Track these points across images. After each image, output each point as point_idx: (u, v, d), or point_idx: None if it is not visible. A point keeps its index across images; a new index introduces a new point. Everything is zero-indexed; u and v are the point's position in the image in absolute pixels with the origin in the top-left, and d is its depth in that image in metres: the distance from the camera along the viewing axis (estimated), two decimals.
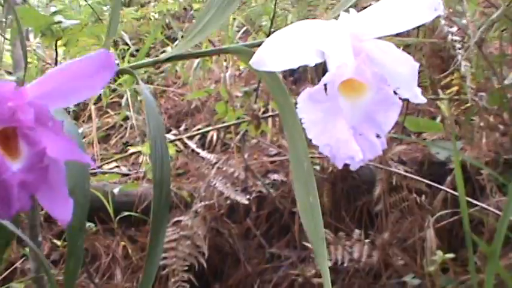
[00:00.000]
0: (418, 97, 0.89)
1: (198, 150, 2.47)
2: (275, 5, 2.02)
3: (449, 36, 1.61)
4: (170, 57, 1.11)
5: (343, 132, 0.80)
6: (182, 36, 3.23)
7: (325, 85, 0.79)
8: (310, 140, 0.80)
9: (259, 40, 1.00)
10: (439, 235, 2.18)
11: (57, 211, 0.81)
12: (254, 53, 0.83)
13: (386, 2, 0.85)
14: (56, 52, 1.61)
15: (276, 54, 0.81)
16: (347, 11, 0.85)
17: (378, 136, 0.83)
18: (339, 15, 0.85)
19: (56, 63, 1.64)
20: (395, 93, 0.84)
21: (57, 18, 1.48)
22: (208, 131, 2.84)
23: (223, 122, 2.64)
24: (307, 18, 2.41)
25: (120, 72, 1.21)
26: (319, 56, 0.82)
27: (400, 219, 2.32)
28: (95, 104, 3.92)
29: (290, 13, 2.32)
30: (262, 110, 2.64)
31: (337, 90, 0.79)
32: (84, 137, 3.73)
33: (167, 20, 4.32)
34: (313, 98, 0.79)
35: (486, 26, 1.73)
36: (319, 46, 0.81)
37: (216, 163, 2.44)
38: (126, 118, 3.75)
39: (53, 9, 4.23)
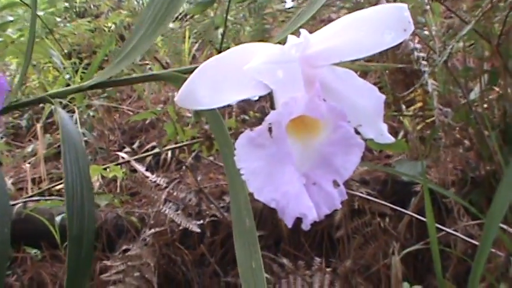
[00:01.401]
0: (384, 136, 0.73)
1: (147, 174, 2.28)
2: (226, 19, 1.84)
3: (415, 53, 1.46)
4: (94, 85, 0.94)
5: (292, 183, 0.64)
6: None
7: (269, 125, 0.62)
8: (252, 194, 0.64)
9: (194, 66, 0.83)
10: (404, 261, 2.03)
11: None
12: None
13: (346, 21, 0.69)
14: None
15: (206, 89, 0.64)
16: (297, 31, 0.68)
17: (335, 184, 0.67)
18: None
19: None
20: (356, 131, 0.68)
21: None
22: (171, 148, 2.65)
23: (177, 141, 2.46)
24: (262, 32, 2.27)
25: (40, 101, 1.02)
26: (263, 88, 0.65)
27: (363, 245, 2.16)
28: (47, 118, 3.72)
29: (243, 26, 2.14)
30: None
31: (285, 131, 0.63)
32: (35, 155, 3.53)
33: (122, 32, 4.13)
34: (254, 142, 0.62)
35: (455, 43, 1.58)
36: (261, 78, 0.63)
37: (166, 187, 2.25)
38: (82, 134, 3.55)
39: (9, 18, 4.04)
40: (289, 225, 0.64)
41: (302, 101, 0.64)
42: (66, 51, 4.06)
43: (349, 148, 0.67)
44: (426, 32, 2.03)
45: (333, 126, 0.66)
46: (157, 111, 2.37)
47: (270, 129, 0.62)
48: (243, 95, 0.65)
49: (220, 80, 0.64)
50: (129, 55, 0.91)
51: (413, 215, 1.98)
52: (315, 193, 0.65)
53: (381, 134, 0.73)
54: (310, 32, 0.68)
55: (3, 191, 1.00)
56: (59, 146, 3.60)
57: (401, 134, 2.43)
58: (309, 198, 0.64)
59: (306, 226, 0.64)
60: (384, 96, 0.71)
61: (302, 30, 0.66)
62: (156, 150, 2.50)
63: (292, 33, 0.74)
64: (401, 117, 2.37)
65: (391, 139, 0.73)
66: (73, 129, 0.94)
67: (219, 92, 0.64)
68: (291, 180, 0.64)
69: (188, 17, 2.16)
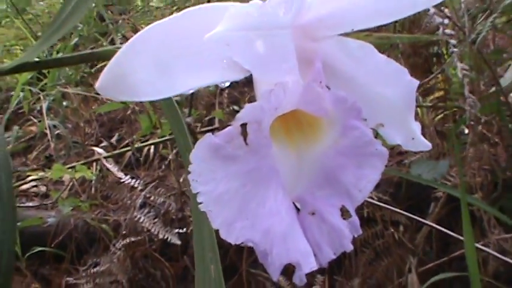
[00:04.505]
0: (417, 140, 0.54)
1: (120, 174, 2.08)
2: None
3: (440, 30, 1.26)
4: (18, 66, 0.74)
5: (279, 215, 0.46)
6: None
7: (243, 126, 0.43)
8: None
9: None
10: (422, 280, 1.84)
11: None
12: None
13: None
14: None
15: (147, 71, 0.45)
16: None
17: (345, 213, 0.49)
18: None
19: None
20: (375, 134, 0.49)
21: None
22: (144, 145, 2.45)
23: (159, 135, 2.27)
24: None
25: None
26: (237, 69, 0.45)
27: (373, 261, 1.97)
28: (15, 108, 3.54)
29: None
30: (207, 118, 2.28)
31: (268, 135, 0.43)
32: None
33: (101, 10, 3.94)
34: (220, 153, 0.44)
35: (496, 15, 1.38)
36: (230, 52, 0.43)
37: (142, 190, 2.05)
38: (54, 126, 3.38)
39: None
40: (274, 278, 0.46)
41: (295, 89, 0.46)
42: (40, 33, 3.87)
43: (365, 159, 0.50)
44: (446, 10, 1.84)
45: (341, 127, 0.50)
46: (128, 101, 2.14)
47: (244, 133, 0.43)
48: (205, 80, 0.46)
49: (169, 57, 0.46)
50: (63, 25, 0.72)
51: (434, 225, 1.79)
52: (313, 228, 0.48)
53: (413, 137, 0.54)
54: None
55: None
56: (29, 140, 3.44)
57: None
58: (305, 236, 0.46)
59: (300, 280, 0.45)
60: (417, 82, 0.52)
61: None
62: (135, 145, 2.30)
63: None
64: (417, 109, 2.17)
65: (427, 145, 0.54)
66: None
67: (168, 75, 0.46)
68: (277, 211, 0.46)
69: None
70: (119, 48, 0.69)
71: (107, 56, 0.73)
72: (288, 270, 0.47)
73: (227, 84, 0.49)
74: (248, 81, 0.49)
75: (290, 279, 1.83)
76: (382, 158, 0.49)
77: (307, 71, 0.48)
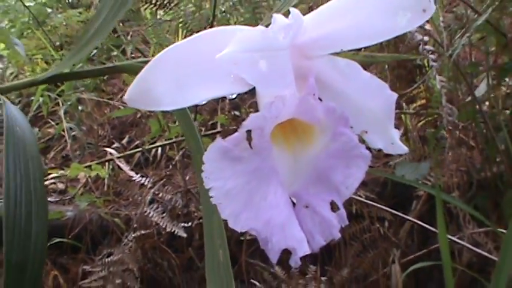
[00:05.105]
0: (395, 145, 0.57)
1: (131, 173, 2.12)
2: (214, 7, 1.67)
3: (421, 46, 1.30)
4: (50, 78, 0.78)
5: (278, 208, 0.49)
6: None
7: (248, 132, 0.46)
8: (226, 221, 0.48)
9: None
10: (405, 269, 1.87)
11: None
12: None
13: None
14: None
15: (166, 85, 0.48)
16: (286, 11, 0.52)
17: (334, 206, 0.53)
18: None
19: None
20: (361, 140, 0.53)
21: None
22: (153, 146, 2.48)
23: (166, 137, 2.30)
24: (255, 24, 2.07)
25: None
26: (243, 84, 0.49)
27: (361, 253, 1.99)
28: (35, 112, 3.56)
29: (232, 16, 1.95)
30: (210, 122, 2.32)
31: (269, 139, 0.47)
32: None
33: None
34: (229, 155, 0.47)
35: (471, 34, 1.43)
36: (237, 70, 0.47)
37: (151, 187, 2.09)
38: (70, 128, 3.40)
39: None
40: (274, 261, 0.49)
41: (292, 101, 0.49)
42: (58, 43, 3.89)
43: (352, 160, 0.54)
44: (427, 27, 1.87)
45: (331, 133, 0.53)
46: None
47: (249, 138, 0.47)
48: (215, 93, 0.50)
49: (185, 74, 0.49)
50: (91, 41, 0.75)
51: (416, 221, 1.82)
52: (307, 219, 0.51)
53: (392, 142, 0.58)
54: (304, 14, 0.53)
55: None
56: (48, 140, 3.45)
57: (401, 132, 2.26)
58: (300, 226, 0.49)
59: (295, 262, 0.49)
60: (396, 95, 0.56)
61: (292, 9, 0.50)
62: (145, 146, 2.33)
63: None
64: (401, 115, 2.21)
65: (404, 149, 0.58)
66: (25, 129, 0.78)
67: (184, 88, 0.49)
68: (277, 204, 0.49)
69: (172, 5, 1.99)
70: (135, 62, 0.73)
71: (124, 70, 0.76)
72: (283, 261, 0.51)
73: (234, 96, 0.53)
74: (248, 90, 0.53)
75: (285, 269, 1.87)
76: (365, 160, 0.53)
77: (302, 85, 0.51)
